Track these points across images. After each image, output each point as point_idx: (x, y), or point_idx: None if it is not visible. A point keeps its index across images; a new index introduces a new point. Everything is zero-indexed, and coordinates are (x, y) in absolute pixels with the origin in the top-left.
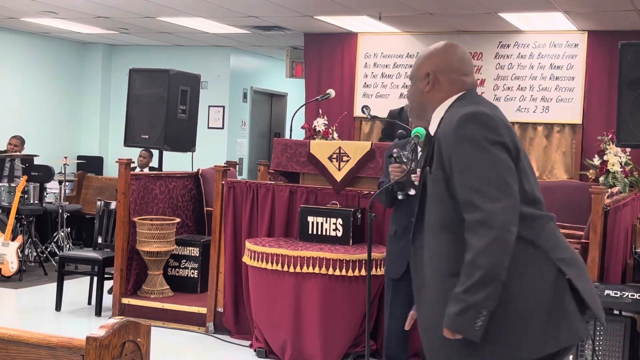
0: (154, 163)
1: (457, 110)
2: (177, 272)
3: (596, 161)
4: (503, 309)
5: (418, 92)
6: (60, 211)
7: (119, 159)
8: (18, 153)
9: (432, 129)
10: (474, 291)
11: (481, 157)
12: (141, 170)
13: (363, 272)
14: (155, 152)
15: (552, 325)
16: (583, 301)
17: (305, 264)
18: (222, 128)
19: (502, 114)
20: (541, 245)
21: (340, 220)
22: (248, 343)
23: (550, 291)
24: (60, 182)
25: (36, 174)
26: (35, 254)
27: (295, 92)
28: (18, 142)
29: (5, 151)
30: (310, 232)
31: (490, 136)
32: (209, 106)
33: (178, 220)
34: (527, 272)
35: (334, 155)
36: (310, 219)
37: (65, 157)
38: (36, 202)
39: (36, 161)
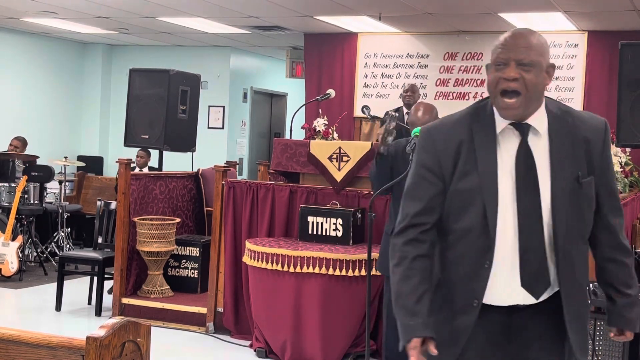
0: (154, 163)
1: (571, 110)
2: (177, 272)
3: None
4: None
5: (541, 82)
6: (61, 211)
7: (119, 159)
8: (19, 154)
9: (539, 125)
10: None
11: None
12: (140, 170)
13: (363, 272)
14: (155, 152)
15: None
16: None
17: (305, 264)
18: (222, 128)
19: None
20: None
21: (340, 220)
22: (248, 343)
23: None
24: (60, 182)
25: (36, 174)
26: (35, 254)
27: (295, 92)
28: (19, 143)
29: (6, 152)
30: (310, 232)
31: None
32: (209, 106)
33: (178, 220)
34: None
35: (334, 155)
36: (310, 219)
37: (66, 157)
38: (36, 202)
39: (36, 161)
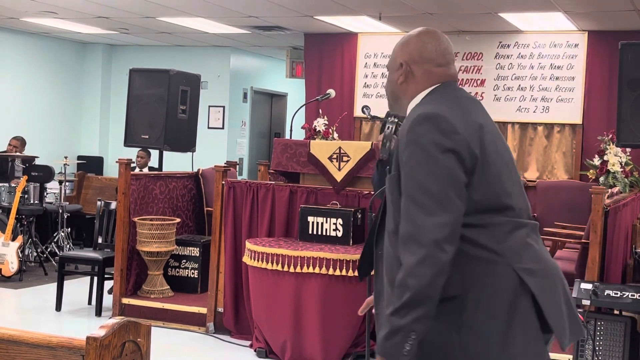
0: (154, 163)
1: (417, 108)
2: (177, 272)
3: (596, 161)
4: (457, 326)
5: (392, 82)
6: (61, 211)
7: (119, 159)
8: (18, 154)
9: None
10: (402, 314)
11: (427, 166)
12: (140, 170)
13: None
14: (155, 152)
15: (509, 345)
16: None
17: (305, 264)
18: (222, 128)
19: (475, 113)
20: (502, 254)
21: (340, 220)
22: (248, 343)
23: (507, 305)
24: (60, 182)
25: (36, 174)
26: (35, 254)
27: (295, 92)
28: (18, 143)
29: (5, 152)
30: (310, 232)
31: (442, 142)
32: (209, 106)
33: (178, 220)
34: (483, 284)
35: (334, 155)
36: (310, 219)
37: (66, 157)
38: (36, 202)
39: (36, 161)
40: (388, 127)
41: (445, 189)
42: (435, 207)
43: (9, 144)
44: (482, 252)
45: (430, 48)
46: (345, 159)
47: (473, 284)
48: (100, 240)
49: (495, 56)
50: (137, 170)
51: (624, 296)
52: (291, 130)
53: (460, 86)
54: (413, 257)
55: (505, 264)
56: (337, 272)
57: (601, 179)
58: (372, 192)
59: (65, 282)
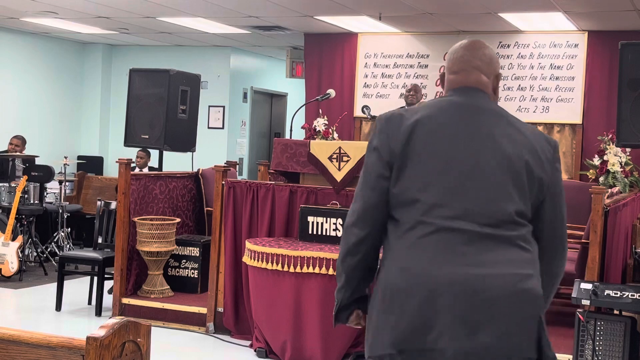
0: (154, 163)
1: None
2: (177, 272)
3: (596, 161)
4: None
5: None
6: (61, 211)
7: (119, 159)
8: (19, 153)
9: None
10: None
11: (365, 161)
12: (140, 171)
13: None
14: (155, 152)
15: (378, 329)
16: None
17: (305, 264)
18: (222, 128)
19: (439, 115)
20: (392, 249)
21: (340, 220)
22: (248, 343)
23: (379, 300)
24: (60, 182)
25: (36, 174)
26: (35, 254)
27: (295, 92)
28: (19, 142)
29: (6, 151)
30: (310, 232)
31: (372, 140)
32: (209, 106)
33: (178, 220)
34: (379, 276)
35: (334, 155)
36: (310, 219)
37: (66, 157)
38: (36, 202)
39: (36, 161)
40: None
41: (363, 181)
42: (356, 196)
43: (10, 143)
44: (386, 244)
45: (450, 57)
46: (345, 159)
47: (379, 274)
48: (100, 240)
49: None
50: (136, 171)
51: (624, 296)
52: (291, 130)
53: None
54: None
55: (389, 259)
56: None
57: (601, 179)
58: None
59: (65, 282)
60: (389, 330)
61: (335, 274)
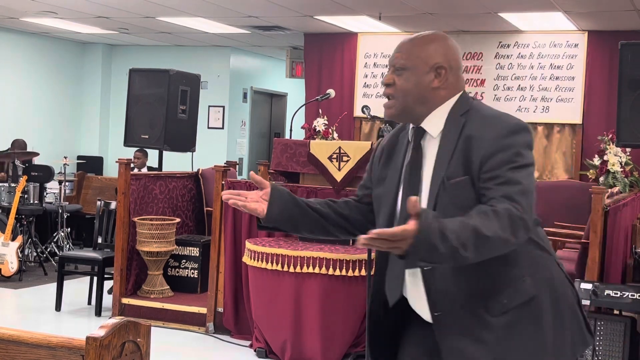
0: (154, 163)
1: (477, 111)
2: (177, 272)
3: (596, 161)
4: None
5: (420, 85)
6: (60, 211)
7: (119, 159)
8: (19, 151)
9: (432, 129)
10: (469, 247)
11: (530, 172)
12: (139, 171)
13: (363, 272)
14: (155, 152)
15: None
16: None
17: (305, 264)
18: (222, 128)
19: None
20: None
21: None
22: (248, 343)
23: None
24: (60, 182)
25: (36, 174)
26: (35, 254)
27: (295, 92)
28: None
29: (6, 151)
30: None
31: (530, 155)
32: (209, 106)
33: (178, 220)
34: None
35: (334, 155)
36: None
37: (65, 157)
38: (36, 202)
39: (36, 161)
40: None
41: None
42: (531, 199)
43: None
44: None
45: (459, 53)
46: (345, 159)
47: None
48: (100, 240)
49: (495, 56)
50: (135, 171)
51: (624, 296)
52: (291, 130)
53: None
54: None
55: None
56: (337, 272)
57: (601, 179)
58: None
59: (65, 282)
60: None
61: (335, 273)
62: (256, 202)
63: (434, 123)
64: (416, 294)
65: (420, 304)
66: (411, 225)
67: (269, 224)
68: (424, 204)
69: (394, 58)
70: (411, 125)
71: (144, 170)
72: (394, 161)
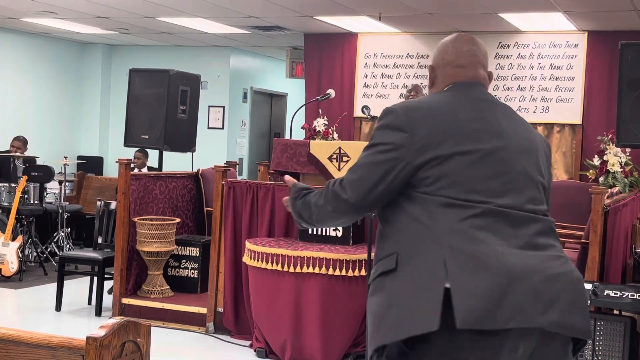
0: (154, 163)
1: None
2: (177, 272)
3: (596, 161)
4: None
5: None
6: (60, 211)
7: (119, 159)
8: (20, 154)
9: None
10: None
11: None
12: (138, 171)
13: (363, 272)
14: (155, 152)
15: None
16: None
17: (305, 264)
18: (222, 128)
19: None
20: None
21: None
22: (248, 343)
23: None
24: (60, 182)
25: (36, 174)
26: (35, 254)
27: (295, 92)
28: (20, 144)
29: (7, 151)
30: (310, 232)
31: None
32: (209, 106)
33: (178, 220)
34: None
35: (334, 156)
36: None
37: (65, 157)
38: (36, 202)
39: (36, 161)
40: None
41: None
42: None
43: (12, 145)
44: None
45: (450, 50)
46: (345, 159)
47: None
48: (100, 240)
49: (495, 56)
50: (135, 171)
51: (624, 296)
52: (291, 130)
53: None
54: None
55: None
56: (337, 272)
57: (601, 179)
58: None
59: (65, 282)
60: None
61: (335, 273)
62: None
63: None
64: None
65: None
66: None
67: None
68: None
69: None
70: None
71: (144, 170)
72: None
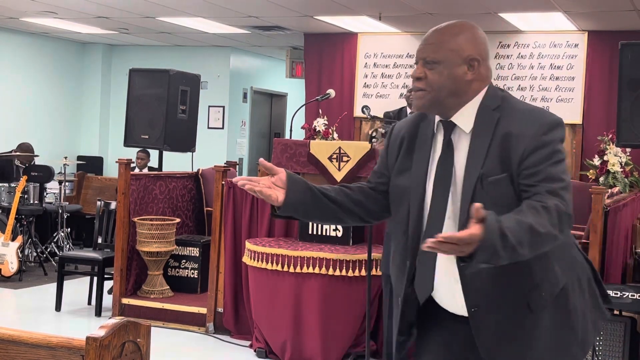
0: (154, 163)
1: (511, 105)
2: (177, 272)
3: (596, 161)
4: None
5: (454, 78)
6: (60, 211)
7: (119, 159)
8: (20, 154)
9: (464, 124)
10: (525, 245)
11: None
12: (140, 171)
13: (363, 272)
14: (155, 152)
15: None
16: None
17: (305, 264)
18: (222, 128)
19: None
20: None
21: None
22: (248, 343)
23: None
24: (60, 182)
25: (36, 174)
26: (35, 254)
27: (295, 92)
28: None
29: (6, 152)
30: (310, 232)
31: (562, 150)
32: (209, 106)
33: (178, 220)
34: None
35: (334, 156)
36: None
37: (65, 157)
38: (36, 202)
39: (36, 161)
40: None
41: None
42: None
43: (15, 151)
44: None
45: (487, 43)
46: (345, 159)
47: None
48: (100, 240)
49: (495, 56)
50: (136, 171)
51: (624, 296)
52: (291, 130)
53: None
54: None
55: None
56: (337, 272)
57: (601, 179)
58: None
59: (65, 282)
60: None
61: (335, 273)
62: (269, 187)
63: (466, 117)
64: (446, 290)
65: (451, 300)
66: (477, 230)
67: (286, 213)
68: (457, 200)
69: (424, 50)
70: (437, 118)
71: (145, 170)
72: (419, 153)
